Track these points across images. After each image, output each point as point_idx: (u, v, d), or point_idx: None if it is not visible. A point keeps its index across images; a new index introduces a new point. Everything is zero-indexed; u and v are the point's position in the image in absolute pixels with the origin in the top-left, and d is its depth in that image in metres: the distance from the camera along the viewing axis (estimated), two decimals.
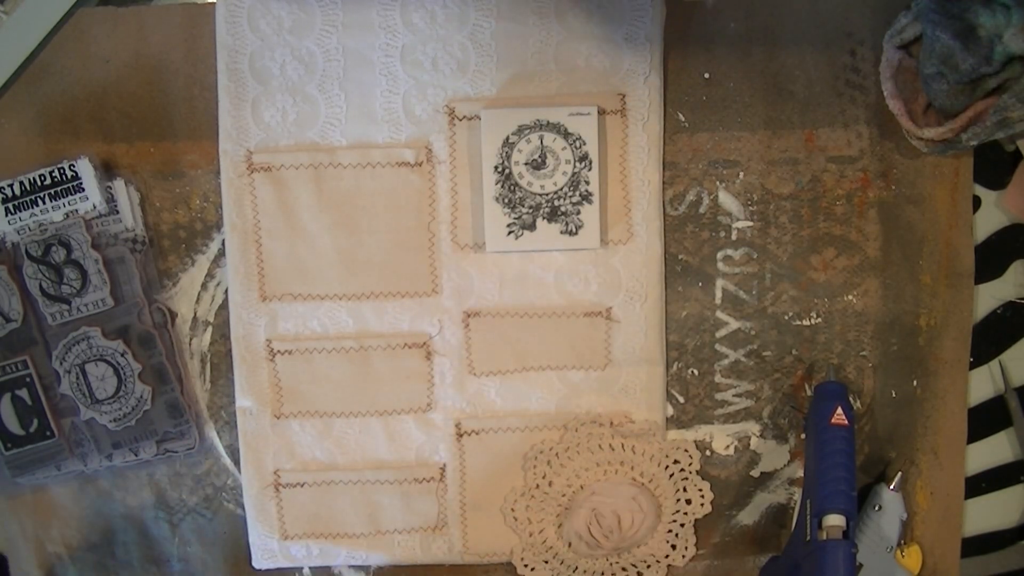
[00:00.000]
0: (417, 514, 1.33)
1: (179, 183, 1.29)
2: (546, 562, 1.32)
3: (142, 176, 1.28)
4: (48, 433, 1.27)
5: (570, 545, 1.30)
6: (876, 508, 1.30)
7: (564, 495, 1.29)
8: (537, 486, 1.29)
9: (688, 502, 1.32)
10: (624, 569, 1.33)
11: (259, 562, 1.34)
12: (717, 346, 1.31)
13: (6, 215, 1.24)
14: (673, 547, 1.33)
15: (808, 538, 1.20)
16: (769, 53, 1.27)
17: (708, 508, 1.33)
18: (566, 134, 1.23)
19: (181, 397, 1.29)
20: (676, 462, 1.31)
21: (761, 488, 1.34)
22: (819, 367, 1.31)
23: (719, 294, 1.30)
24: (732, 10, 1.27)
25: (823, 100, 1.27)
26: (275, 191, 1.27)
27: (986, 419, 1.35)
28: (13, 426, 1.27)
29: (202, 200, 1.29)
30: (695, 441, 1.32)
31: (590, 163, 1.23)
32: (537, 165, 1.23)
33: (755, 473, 1.34)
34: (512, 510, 1.30)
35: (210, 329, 1.31)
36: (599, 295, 1.29)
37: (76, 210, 1.25)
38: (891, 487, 1.30)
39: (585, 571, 1.32)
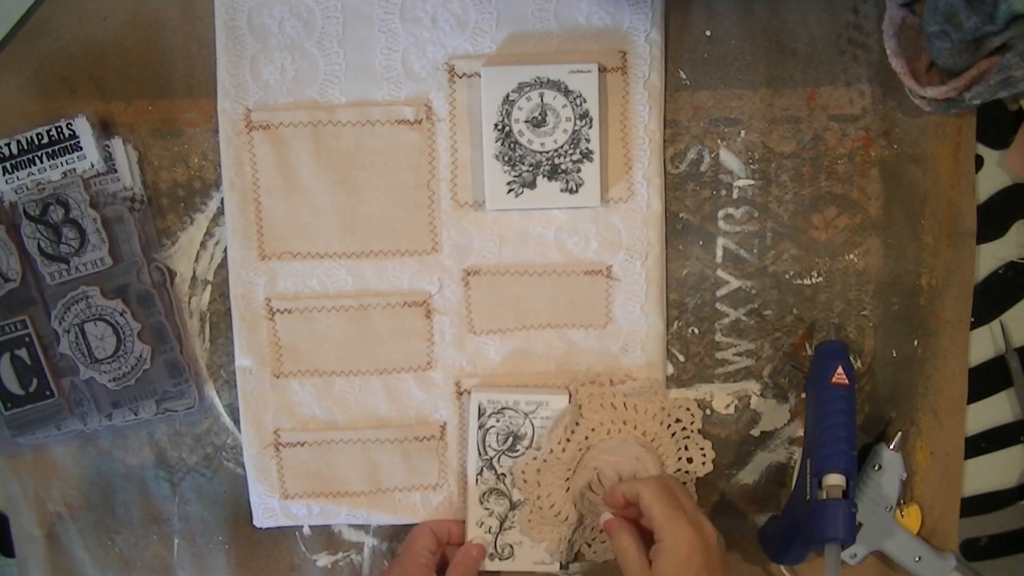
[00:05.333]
0: (417, 472, 1.33)
1: (177, 141, 1.28)
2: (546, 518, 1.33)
3: (140, 134, 1.28)
4: (48, 393, 1.27)
5: (575, 505, 1.30)
6: (876, 468, 1.30)
7: (574, 457, 1.29)
8: (551, 451, 1.29)
9: (689, 461, 1.32)
10: None
11: (260, 521, 1.34)
12: (718, 305, 1.31)
13: (3, 174, 1.24)
14: None
15: (808, 497, 1.21)
16: (771, 10, 1.26)
17: (709, 467, 1.32)
18: (567, 91, 1.22)
19: (180, 356, 1.29)
20: (678, 420, 1.31)
21: (761, 447, 1.34)
22: (820, 326, 1.31)
23: (720, 253, 1.30)
24: None
25: (825, 58, 1.27)
26: (274, 149, 1.26)
27: (987, 379, 1.35)
28: (13, 386, 1.27)
29: (201, 158, 1.29)
30: (696, 400, 1.32)
31: (591, 121, 1.23)
32: (537, 123, 1.23)
33: (755, 432, 1.34)
34: (523, 473, 1.30)
35: (209, 288, 1.31)
36: (599, 253, 1.28)
37: (74, 169, 1.24)
38: (891, 447, 1.30)
39: (585, 527, 1.32)
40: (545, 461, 1.29)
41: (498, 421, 1.28)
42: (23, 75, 1.27)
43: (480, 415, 1.29)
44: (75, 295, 1.25)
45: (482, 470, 1.30)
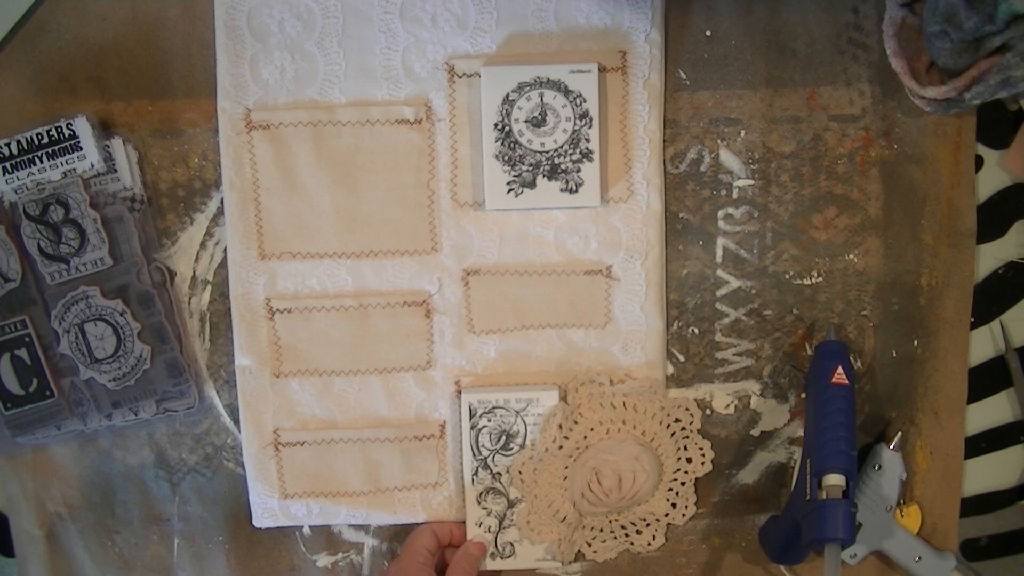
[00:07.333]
0: (417, 471, 1.33)
1: (177, 141, 1.28)
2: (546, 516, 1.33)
3: (140, 134, 1.28)
4: (48, 393, 1.27)
5: (575, 505, 1.30)
6: (876, 468, 1.30)
7: (571, 456, 1.29)
8: (547, 449, 1.29)
9: (689, 460, 1.32)
10: (623, 527, 1.33)
11: (259, 521, 1.34)
12: (718, 305, 1.31)
13: (3, 174, 1.24)
14: (673, 506, 1.33)
15: (808, 497, 1.20)
16: (771, 10, 1.26)
17: (708, 467, 1.33)
18: (566, 91, 1.22)
19: (180, 356, 1.29)
20: (677, 420, 1.31)
21: (761, 447, 1.34)
22: (820, 326, 1.31)
23: (720, 253, 1.30)
24: None
25: (825, 58, 1.27)
26: (274, 149, 1.26)
27: (986, 379, 1.35)
28: (13, 386, 1.27)
29: (201, 158, 1.29)
30: (695, 400, 1.32)
31: (590, 121, 1.23)
32: (537, 123, 1.23)
33: (755, 432, 1.34)
34: (520, 473, 1.30)
35: (209, 288, 1.31)
36: (599, 253, 1.29)
37: (74, 169, 1.24)
38: (891, 447, 1.30)
39: (583, 527, 1.32)
40: (541, 460, 1.29)
41: (490, 420, 1.29)
42: (23, 75, 1.27)
43: (471, 415, 1.29)
44: (75, 295, 1.25)
45: (477, 470, 1.30)
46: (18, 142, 1.24)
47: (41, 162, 1.24)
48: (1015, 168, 1.29)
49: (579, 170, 1.24)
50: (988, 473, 1.37)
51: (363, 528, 1.36)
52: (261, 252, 1.28)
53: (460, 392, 1.31)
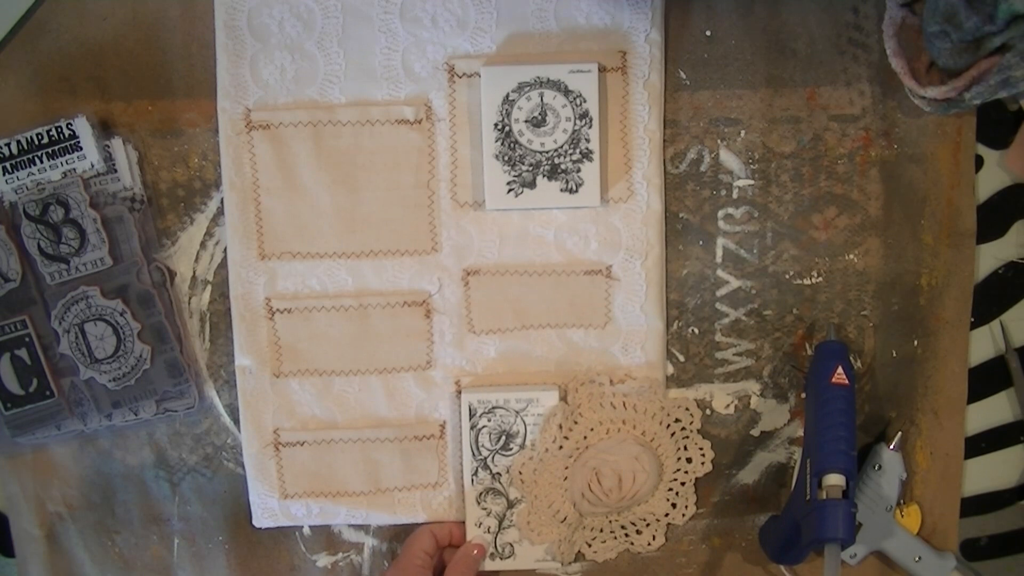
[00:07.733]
0: (417, 472, 1.33)
1: (177, 141, 1.28)
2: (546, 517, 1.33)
3: (140, 134, 1.28)
4: (48, 393, 1.27)
5: (575, 505, 1.30)
6: (876, 468, 1.30)
7: (571, 456, 1.29)
8: (547, 449, 1.29)
9: (689, 461, 1.32)
10: (623, 527, 1.33)
11: (259, 521, 1.34)
12: (718, 305, 1.31)
13: (3, 174, 1.24)
14: (673, 506, 1.33)
15: (808, 497, 1.20)
16: (771, 10, 1.26)
17: (708, 467, 1.33)
18: (566, 91, 1.22)
19: (180, 356, 1.29)
20: (677, 420, 1.31)
21: (761, 447, 1.34)
22: (820, 326, 1.31)
23: (720, 253, 1.30)
24: None
25: (825, 58, 1.27)
26: (274, 149, 1.26)
27: (986, 379, 1.35)
28: (13, 386, 1.27)
29: (201, 158, 1.28)
30: (695, 400, 1.32)
31: (590, 121, 1.23)
32: (537, 123, 1.23)
33: (755, 432, 1.34)
34: (520, 473, 1.30)
35: (209, 288, 1.31)
36: (599, 253, 1.28)
37: (74, 169, 1.24)
38: (891, 447, 1.30)
39: (583, 527, 1.32)
40: (541, 460, 1.29)
41: (489, 420, 1.29)
42: (23, 75, 1.27)
43: (471, 415, 1.29)
44: (75, 295, 1.24)
45: (477, 470, 1.30)
46: (18, 142, 1.24)
47: (41, 162, 1.24)
48: (1015, 168, 1.29)
49: (579, 170, 1.24)
50: (988, 473, 1.37)
51: (363, 528, 1.36)
52: (261, 252, 1.28)
53: (460, 392, 1.31)
